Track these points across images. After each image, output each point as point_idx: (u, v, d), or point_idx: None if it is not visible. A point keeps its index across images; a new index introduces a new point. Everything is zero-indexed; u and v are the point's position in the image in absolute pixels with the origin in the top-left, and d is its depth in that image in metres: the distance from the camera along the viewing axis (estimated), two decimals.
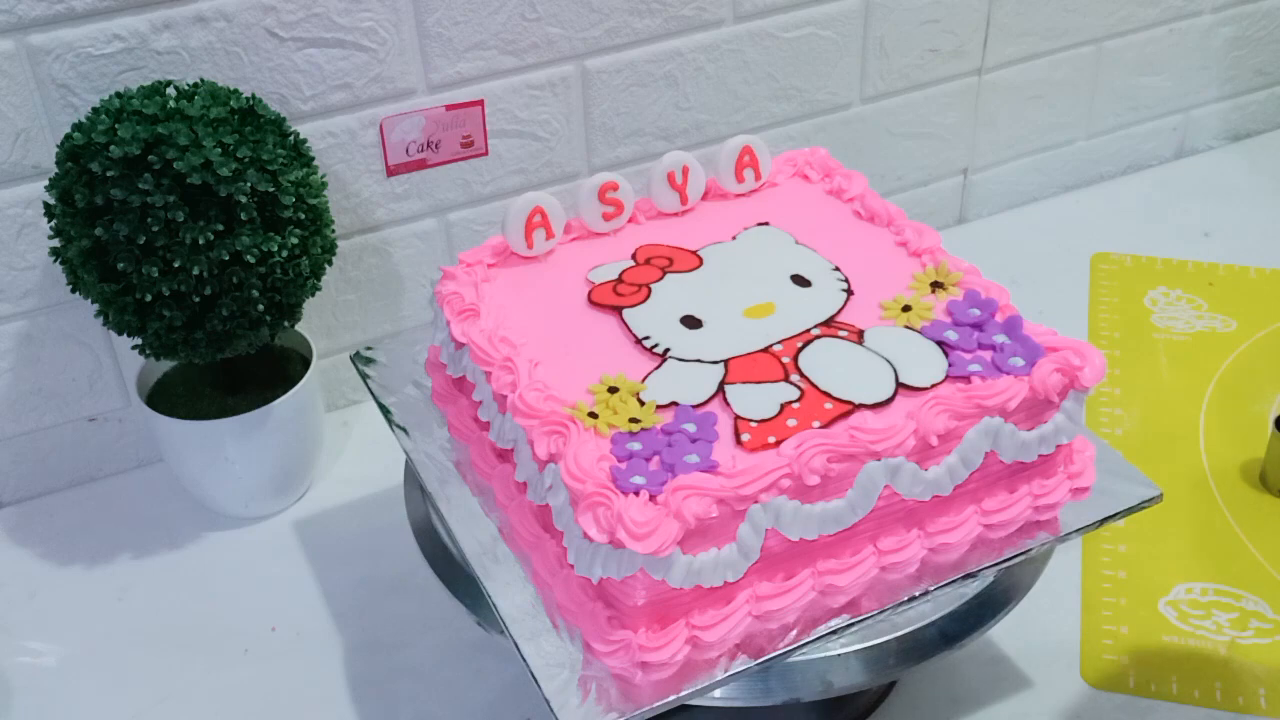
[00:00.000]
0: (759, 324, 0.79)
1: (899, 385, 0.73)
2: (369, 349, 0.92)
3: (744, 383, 0.74)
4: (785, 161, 0.96)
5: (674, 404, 0.72)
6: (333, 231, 0.96)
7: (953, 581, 0.73)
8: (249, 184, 0.85)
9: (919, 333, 0.77)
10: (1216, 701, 0.87)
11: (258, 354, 1.01)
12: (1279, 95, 1.53)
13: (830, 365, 0.75)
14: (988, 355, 0.75)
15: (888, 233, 0.87)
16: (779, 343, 0.77)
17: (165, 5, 0.92)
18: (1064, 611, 0.93)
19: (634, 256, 0.86)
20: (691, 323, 0.79)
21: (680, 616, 0.69)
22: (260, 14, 0.95)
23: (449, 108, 1.06)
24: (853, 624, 0.71)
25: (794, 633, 0.70)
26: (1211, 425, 1.10)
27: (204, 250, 0.85)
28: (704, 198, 0.93)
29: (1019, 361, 0.73)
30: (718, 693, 0.70)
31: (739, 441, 0.69)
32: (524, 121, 1.09)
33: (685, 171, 0.90)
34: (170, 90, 0.90)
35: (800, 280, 0.83)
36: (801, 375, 0.74)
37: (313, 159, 0.94)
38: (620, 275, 0.84)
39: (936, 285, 0.81)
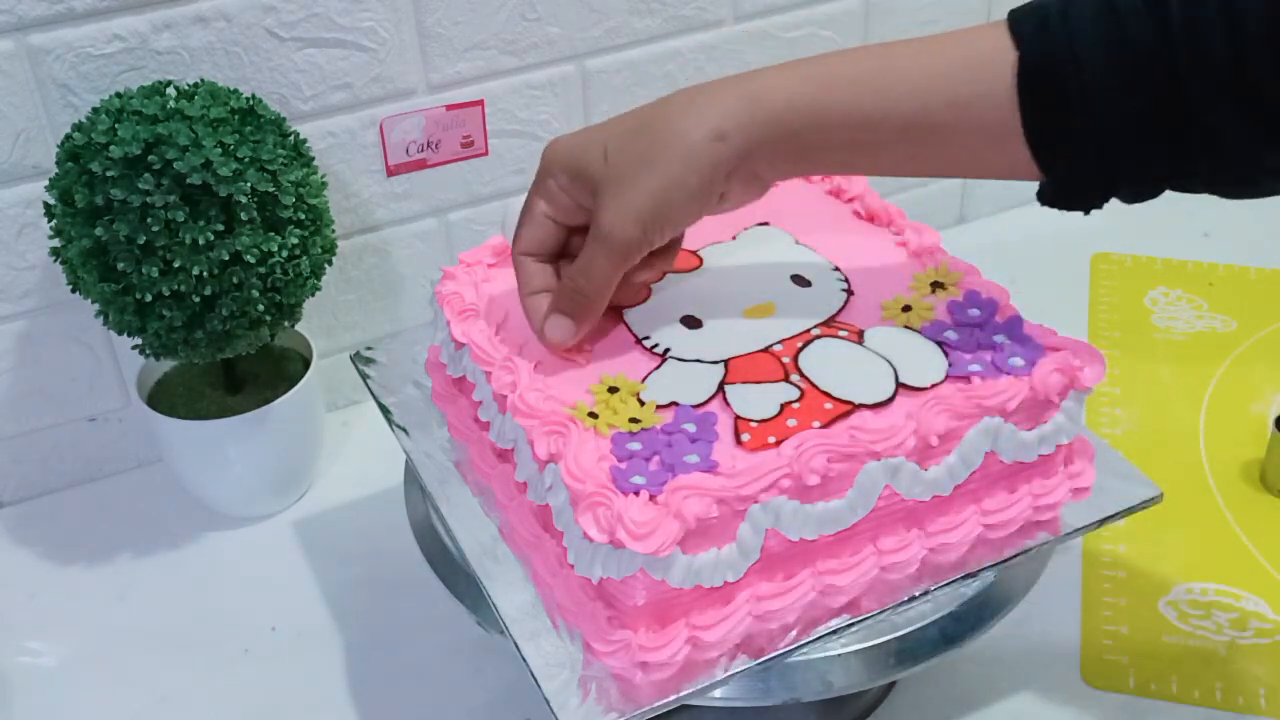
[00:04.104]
0: (759, 324, 0.79)
1: (899, 385, 0.73)
2: (369, 349, 0.92)
3: (744, 383, 0.73)
4: None
5: (674, 404, 0.72)
6: (333, 231, 0.96)
7: (953, 581, 0.73)
8: (249, 184, 0.85)
9: (919, 333, 0.77)
10: (1216, 701, 0.87)
11: (258, 354, 1.01)
12: None
13: (830, 365, 0.74)
14: (988, 355, 0.74)
15: (888, 233, 0.87)
16: (779, 343, 0.77)
17: (165, 5, 0.92)
18: (1064, 611, 0.93)
19: None
20: (691, 323, 0.79)
21: (680, 616, 0.69)
22: (260, 14, 0.95)
23: (449, 108, 1.06)
24: (853, 624, 0.71)
25: (794, 633, 0.70)
26: (1211, 425, 1.09)
27: (204, 250, 0.85)
28: None
29: (1019, 361, 0.73)
30: (718, 693, 0.70)
31: (739, 441, 0.69)
32: (524, 121, 1.09)
33: None
34: (170, 90, 0.90)
35: (800, 280, 0.83)
36: (802, 375, 0.74)
37: (313, 159, 0.94)
38: None
39: (936, 285, 0.81)
